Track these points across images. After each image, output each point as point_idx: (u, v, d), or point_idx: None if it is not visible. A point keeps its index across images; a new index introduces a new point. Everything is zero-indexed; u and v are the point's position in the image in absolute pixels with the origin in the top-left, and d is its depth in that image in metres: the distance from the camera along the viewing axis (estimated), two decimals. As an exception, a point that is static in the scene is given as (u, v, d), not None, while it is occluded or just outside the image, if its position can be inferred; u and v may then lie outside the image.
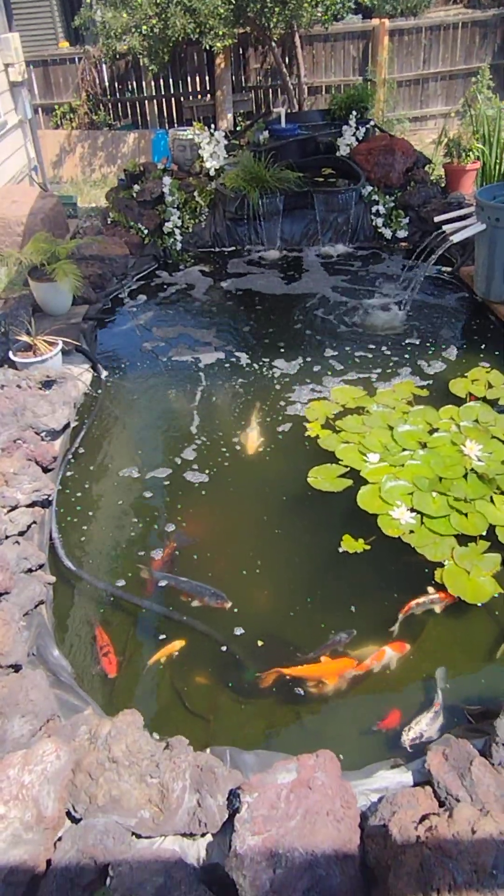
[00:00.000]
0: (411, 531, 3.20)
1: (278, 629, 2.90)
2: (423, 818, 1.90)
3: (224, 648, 2.81)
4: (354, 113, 7.09)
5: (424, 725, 2.45)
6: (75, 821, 2.07)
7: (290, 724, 2.59)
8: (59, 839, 2.00)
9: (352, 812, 2.00)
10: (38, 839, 1.94)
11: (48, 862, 1.95)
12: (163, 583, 3.14)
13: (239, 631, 2.87)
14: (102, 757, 2.12)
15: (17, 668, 2.55)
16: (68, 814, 2.08)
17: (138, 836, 2.03)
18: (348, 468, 3.67)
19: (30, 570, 3.09)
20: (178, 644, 2.83)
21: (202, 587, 3.03)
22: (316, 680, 2.68)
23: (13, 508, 3.35)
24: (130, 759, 2.11)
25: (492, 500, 3.34)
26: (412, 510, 3.31)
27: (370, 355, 4.85)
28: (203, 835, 2.06)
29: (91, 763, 2.10)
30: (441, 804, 2.00)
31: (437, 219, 5.48)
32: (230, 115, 10.08)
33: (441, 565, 3.03)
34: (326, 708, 2.62)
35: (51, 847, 1.97)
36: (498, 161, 5.92)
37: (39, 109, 10.41)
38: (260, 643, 2.82)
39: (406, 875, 1.75)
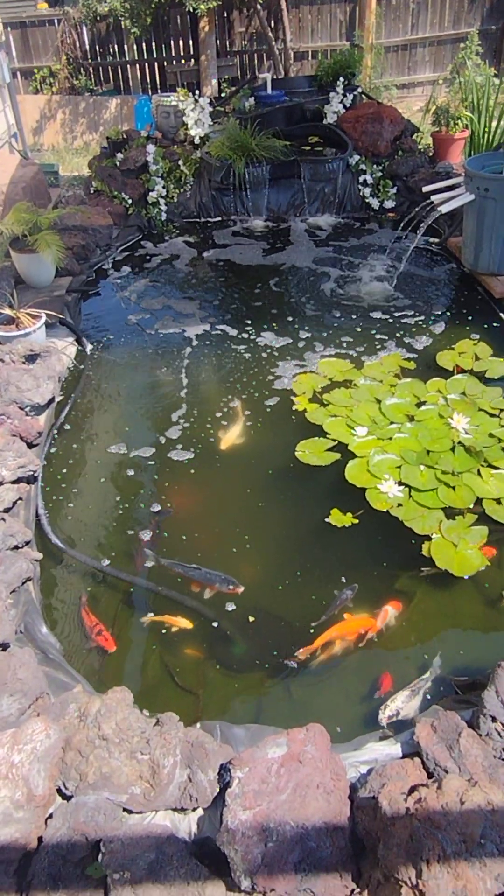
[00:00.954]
0: (399, 505, 3.20)
1: (269, 604, 2.90)
2: (413, 790, 1.91)
3: (215, 625, 2.80)
4: (342, 79, 6.92)
5: (400, 703, 2.44)
6: (66, 798, 2.07)
7: (279, 698, 2.59)
8: (51, 816, 2.00)
9: (342, 784, 2.01)
10: (28, 817, 1.94)
11: (39, 839, 1.95)
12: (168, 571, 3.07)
13: (230, 607, 2.87)
14: (92, 734, 2.11)
15: (4, 646, 2.53)
16: (59, 791, 2.08)
17: (129, 812, 2.04)
18: (336, 442, 3.65)
19: (16, 547, 3.05)
20: (184, 622, 2.80)
21: (212, 574, 2.97)
22: (342, 639, 2.73)
23: (-2, 485, 3.30)
24: (121, 737, 2.11)
25: (479, 473, 3.34)
26: (400, 484, 3.30)
27: (357, 328, 4.80)
28: (194, 809, 2.07)
29: (81, 741, 2.10)
30: (430, 775, 2.02)
31: (425, 189, 5.40)
32: (214, 81, 9.85)
33: (429, 538, 3.04)
34: (315, 681, 2.63)
35: (42, 824, 1.97)
36: (487, 130, 5.83)
37: (18, 74, 10.11)
38: (251, 618, 2.82)
39: (396, 846, 1.77)
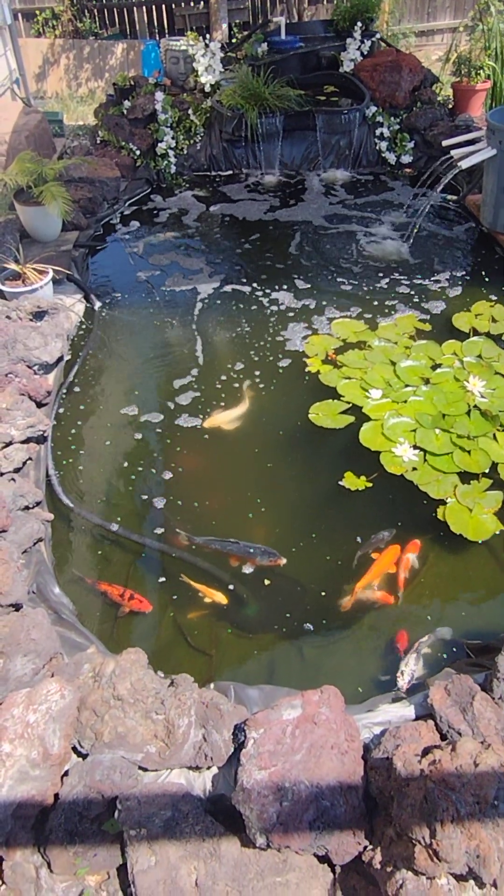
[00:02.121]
0: (414, 468, 3.17)
1: (284, 567, 2.89)
2: (426, 751, 1.93)
3: (231, 587, 2.80)
4: (359, 24, 6.62)
5: (413, 666, 2.47)
6: (82, 756, 2.09)
7: (291, 659, 2.61)
8: (66, 773, 2.03)
9: (356, 745, 2.03)
10: (44, 775, 1.96)
11: (56, 796, 1.98)
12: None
13: (248, 570, 2.87)
14: (107, 695, 2.12)
15: (17, 606, 2.53)
16: (74, 749, 2.10)
17: (144, 770, 2.06)
18: (350, 404, 3.60)
19: (27, 508, 3.04)
20: (220, 596, 2.77)
21: (252, 547, 2.91)
22: (382, 575, 2.80)
23: (7, 445, 3.27)
24: (135, 697, 2.12)
25: (495, 438, 3.30)
26: (415, 447, 3.26)
27: (371, 287, 4.70)
28: (208, 768, 2.09)
29: (96, 701, 2.11)
30: (443, 738, 2.03)
31: (444, 143, 5.22)
32: (225, 26, 9.46)
33: (443, 503, 3.02)
34: (327, 642, 2.65)
35: (58, 782, 2.00)
36: (510, 80, 5.60)
37: (19, 15, 9.72)
38: (267, 581, 2.82)
39: (410, 807, 1.79)
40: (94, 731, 2.05)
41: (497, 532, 2.91)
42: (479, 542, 2.89)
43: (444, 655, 2.52)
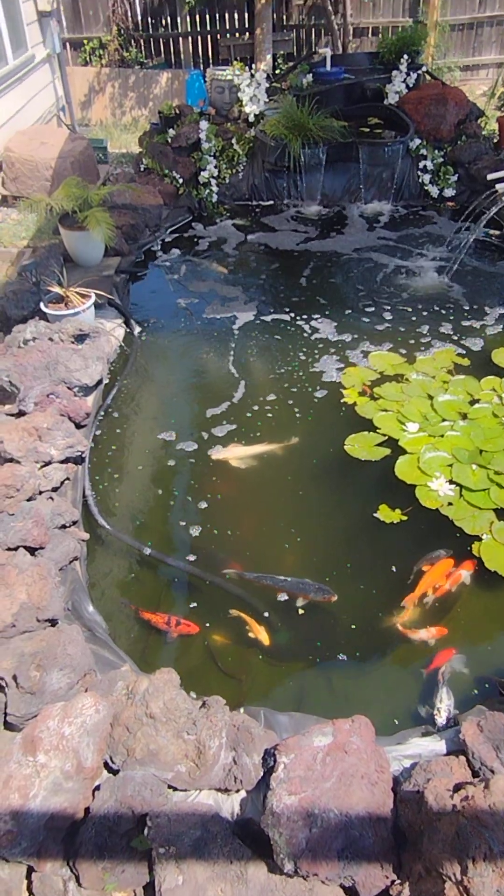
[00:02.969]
0: (450, 503, 3.17)
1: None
2: (458, 787, 1.92)
3: (266, 614, 2.82)
4: (405, 57, 6.70)
5: (447, 701, 2.45)
6: (113, 772, 2.13)
7: (321, 688, 2.62)
8: (97, 788, 2.06)
9: (385, 776, 2.03)
10: (77, 788, 2.00)
11: (86, 810, 2.01)
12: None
13: (283, 597, 2.89)
14: (140, 712, 2.16)
15: (53, 622, 2.59)
16: (106, 765, 2.14)
17: (174, 790, 2.09)
18: (386, 437, 3.62)
19: (63, 527, 3.10)
20: (264, 636, 2.74)
21: (304, 583, 2.89)
22: (434, 586, 2.86)
23: (47, 464, 3.34)
24: (168, 716, 2.15)
25: (532, 474, 3.30)
26: (451, 482, 3.27)
27: (410, 321, 4.74)
28: (237, 791, 2.11)
29: (129, 717, 2.15)
30: (475, 774, 2.02)
31: (490, 176, 5.25)
32: (269, 57, 9.67)
33: (479, 539, 3.01)
34: (357, 673, 2.65)
35: (89, 796, 2.03)
36: None
37: (67, 44, 10.07)
38: (301, 611, 2.84)
39: (441, 842, 1.78)
40: (126, 747, 2.09)
41: (532, 569, 2.89)
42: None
43: (476, 692, 2.50)
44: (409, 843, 1.94)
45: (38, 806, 1.90)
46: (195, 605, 2.90)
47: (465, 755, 2.09)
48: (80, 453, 3.48)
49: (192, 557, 3.08)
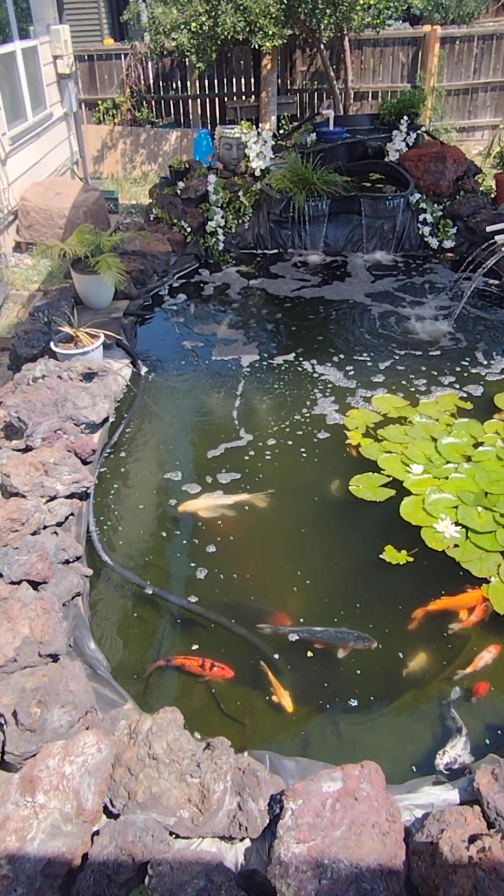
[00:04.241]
0: (456, 545, 3.14)
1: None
2: (474, 838, 1.84)
3: (276, 656, 2.76)
4: (405, 118, 7.02)
5: (459, 750, 2.38)
6: (112, 816, 2.04)
7: (327, 733, 2.54)
8: (96, 833, 1.98)
9: (397, 826, 1.95)
10: (76, 832, 1.91)
11: (84, 856, 1.92)
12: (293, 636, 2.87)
13: (293, 637, 2.84)
14: (143, 753, 2.09)
15: (55, 657, 2.53)
16: (105, 809, 2.06)
17: (176, 836, 2.00)
18: (391, 478, 3.61)
19: (67, 562, 3.07)
20: (287, 700, 2.61)
21: (343, 633, 2.83)
22: (454, 608, 2.91)
23: (52, 498, 3.34)
24: (171, 757, 2.08)
25: (539, 518, 3.28)
26: (457, 524, 3.25)
27: (413, 365, 4.79)
28: (242, 839, 2.02)
29: (131, 758, 2.08)
30: (490, 825, 1.94)
31: (489, 228, 5.41)
32: (274, 118, 10.05)
33: (486, 581, 2.97)
34: (364, 719, 2.57)
35: (88, 841, 1.95)
36: (550, 174, 5.83)
37: (83, 104, 10.48)
38: (310, 654, 2.78)
39: (457, 896, 1.70)
40: (128, 789, 2.01)
41: (541, 612, 2.85)
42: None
43: (488, 741, 2.43)
44: (423, 898, 1.85)
45: (35, 850, 1.81)
46: (196, 646, 2.84)
47: (479, 805, 2.01)
48: (85, 489, 3.47)
49: (193, 598, 3.03)
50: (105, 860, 1.89)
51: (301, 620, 2.91)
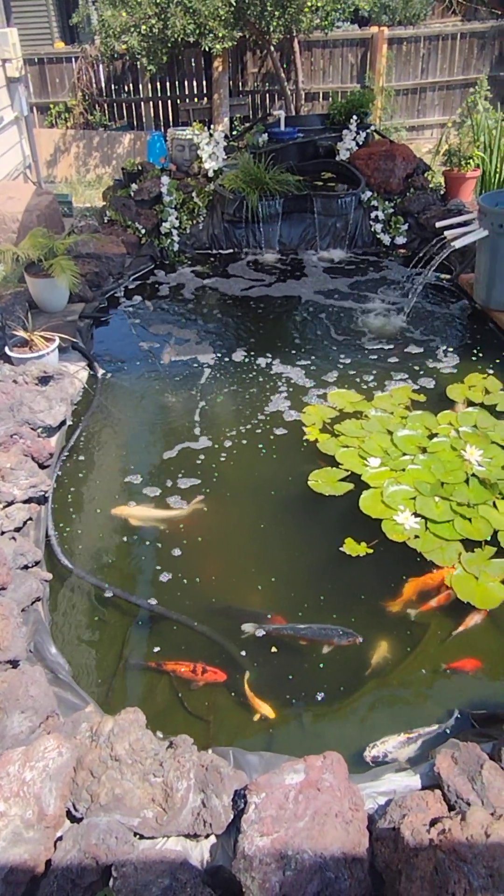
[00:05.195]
0: (416, 536, 3.18)
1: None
2: (435, 821, 1.87)
3: (243, 653, 2.76)
4: (355, 118, 7.10)
5: (390, 747, 2.37)
6: (75, 820, 2.01)
7: (292, 727, 2.55)
8: (60, 839, 1.95)
9: (360, 814, 1.97)
10: (38, 838, 1.88)
11: (48, 862, 1.90)
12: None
13: (260, 633, 2.84)
14: (105, 755, 2.07)
15: (14, 663, 2.49)
16: (68, 813, 2.03)
17: (141, 837, 1.99)
18: (349, 472, 3.64)
19: (26, 567, 3.03)
20: (267, 710, 2.57)
21: (327, 629, 2.81)
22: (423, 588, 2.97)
23: (9, 504, 3.29)
24: (133, 758, 2.06)
25: (494, 505, 3.34)
26: (416, 515, 3.29)
27: (367, 360, 4.84)
28: (207, 836, 2.02)
29: (93, 761, 2.05)
30: (451, 808, 1.97)
31: (438, 224, 5.49)
32: (226, 119, 10.08)
33: (452, 569, 3.02)
34: (328, 711, 2.59)
35: (51, 846, 1.92)
36: (497, 170, 5.96)
37: (34, 108, 10.35)
38: (274, 649, 2.79)
39: (419, 879, 1.72)
40: (91, 792, 1.99)
41: (505, 600, 2.89)
42: (487, 610, 2.86)
43: (448, 730, 2.46)
44: (387, 885, 1.87)
45: (-5, 859, 1.78)
46: (158, 648, 2.82)
47: (440, 789, 2.04)
48: (43, 493, 3.43)
49: (153, 601, 3.01)
50: (69, 865, 1.86)
51: (268, 616, 2.91)
